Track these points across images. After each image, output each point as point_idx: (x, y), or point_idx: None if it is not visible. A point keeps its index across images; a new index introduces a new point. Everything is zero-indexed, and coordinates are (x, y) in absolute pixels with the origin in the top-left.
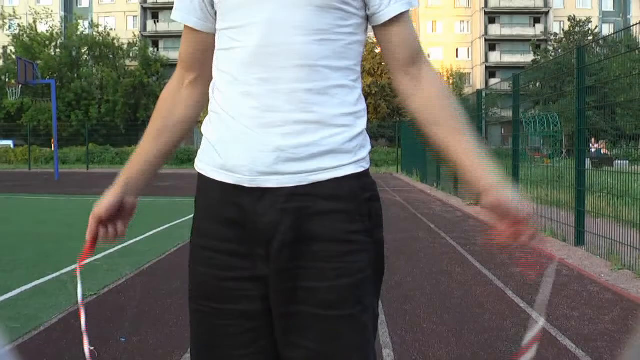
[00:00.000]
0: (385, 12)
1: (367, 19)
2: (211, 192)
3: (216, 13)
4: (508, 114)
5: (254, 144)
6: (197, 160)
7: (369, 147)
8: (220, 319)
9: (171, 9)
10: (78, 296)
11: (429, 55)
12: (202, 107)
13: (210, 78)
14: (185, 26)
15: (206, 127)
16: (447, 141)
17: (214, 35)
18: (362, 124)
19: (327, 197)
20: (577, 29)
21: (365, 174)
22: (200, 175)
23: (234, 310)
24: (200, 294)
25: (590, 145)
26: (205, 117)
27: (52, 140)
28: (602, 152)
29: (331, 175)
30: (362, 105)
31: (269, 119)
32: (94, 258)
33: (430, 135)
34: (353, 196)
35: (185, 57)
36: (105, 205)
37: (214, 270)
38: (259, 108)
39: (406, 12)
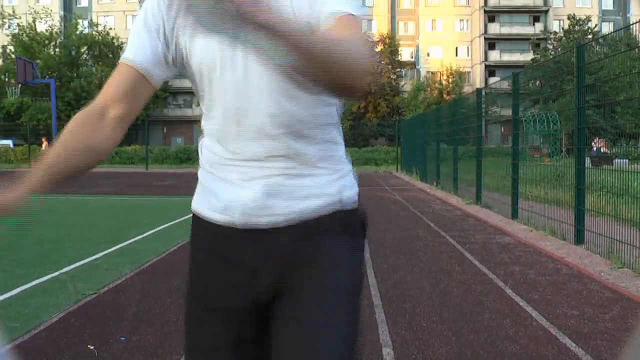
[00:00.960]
0: None
1: None
2: (204, 231)
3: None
4: (508, 112)
5: (244, 191)
6: (193, 201)
7: (355, 189)
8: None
9: None
10: None
11: (428, 54)
12: (115, 146)
13: (136, 115)
14: (126, 65)
15: (201, 173)
16: None
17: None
18: (347, 167)
19: (313, 233)
20: (577, 28)
21: (352, 212)
22: (194, 214)
23: (212, 341)
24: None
25: (593, 144)
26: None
27: (44, 140)
28: (601, 150)
29: (316, 214)
30: (341, 148)
31: (256, 174)
32: (93, 257)
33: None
34: (338, 229)
35: (117, 90)
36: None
37: (203, 300)
38: (244, 164)
39: None
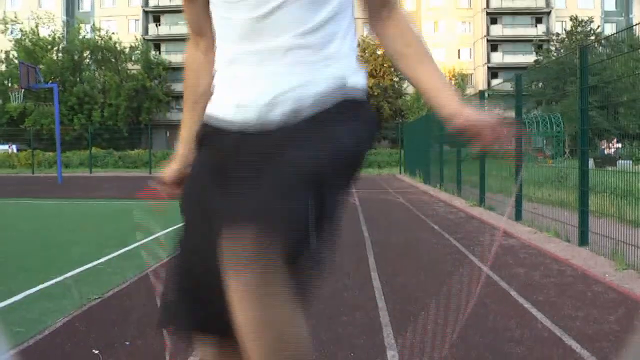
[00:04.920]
0: None
1: None
2: (214, 131)
3: None
4: (511, 114)
5: (257, 88)
6: (208, 105)
7: (361, 74)
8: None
9: (172, 12)
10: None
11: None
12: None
13: None
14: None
15: (216, 77)
16: (418, 69)
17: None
18: (353, 55)
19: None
20: (579, 29)
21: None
22: (205, 120)
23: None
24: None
25: (603, 146)
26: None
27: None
28: (605, 152)
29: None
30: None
31: (268, 72)
32: (98, 262)
33: (405, 68)
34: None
35: (191, 26)
36: (169, 170)
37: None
38: (258, 63)
39: None
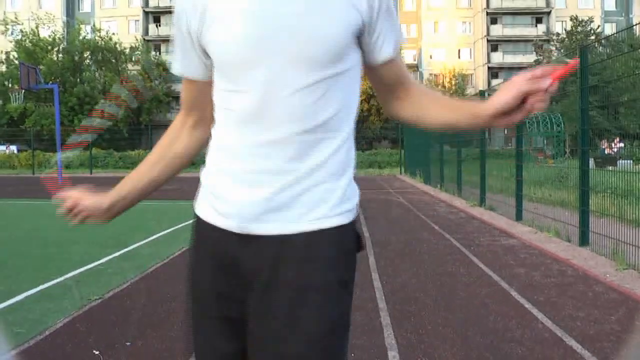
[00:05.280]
0: (384, 51)
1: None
2: (202, 232)
3: (211, 63)
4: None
5: (245, 193)
6: (195, 202)
7: (356, 199)
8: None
9: (173, 12)
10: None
11: (430, 57)
12: (201, 148)
13: (212, 118)
14: (185, 79)
15: (204, 174)
16: (445, 112)
17: (212, 82)
18: (350, 172)
19: (308, 245)
20: (579, 29)
21: (349, 225)
22: (195, 215)
23: (215, 351)
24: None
25: (604, 146)
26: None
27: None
28: (605, 152)
29: (315, 226)
30: (352, 153)
31: (262, 171)
32: (98, 262)
33: (435, 123)
34: (335, 246)
35: (185, 102)
36: (95, 198)
37: (198, 306)
38: (253, 160)
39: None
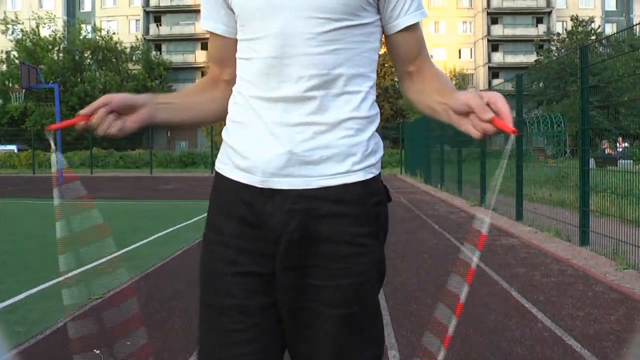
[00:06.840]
0: (399, 22)
1: (381, 26)
2: (225, 189)
3: (235, 19)
4: (511, 114)
5: (267, 147)
6: (216, 160)
7: (380, 153)
8: (223, 314)
9: (173, 12)
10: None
11: (431, 56)
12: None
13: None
14: (212, 33)
15: (225, 131)
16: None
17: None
18: (373, 128)
19: (334, 200)
20: (580, 29)
21: (373, 179)
22: (217, 173)
23: (234, 305)
24: (205, 287)
25: (604, 146)
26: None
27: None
28: (606, 151)
29: (339, 181)
30: (375, 111)
31: (284, 124)
32: (99, 262)
33: (427, 112)
34: (360, 201)
35: (216, 58)
36: (124, 94)
37: (218, 263)
38: (274, 114)
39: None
